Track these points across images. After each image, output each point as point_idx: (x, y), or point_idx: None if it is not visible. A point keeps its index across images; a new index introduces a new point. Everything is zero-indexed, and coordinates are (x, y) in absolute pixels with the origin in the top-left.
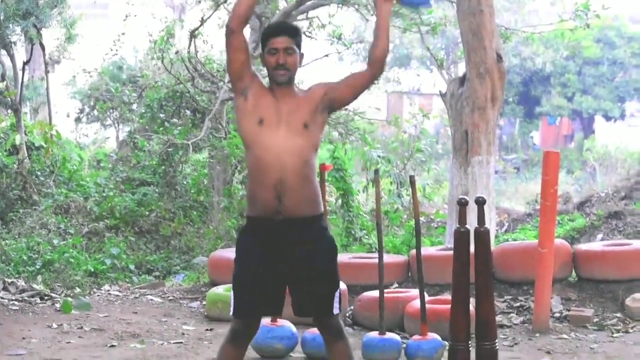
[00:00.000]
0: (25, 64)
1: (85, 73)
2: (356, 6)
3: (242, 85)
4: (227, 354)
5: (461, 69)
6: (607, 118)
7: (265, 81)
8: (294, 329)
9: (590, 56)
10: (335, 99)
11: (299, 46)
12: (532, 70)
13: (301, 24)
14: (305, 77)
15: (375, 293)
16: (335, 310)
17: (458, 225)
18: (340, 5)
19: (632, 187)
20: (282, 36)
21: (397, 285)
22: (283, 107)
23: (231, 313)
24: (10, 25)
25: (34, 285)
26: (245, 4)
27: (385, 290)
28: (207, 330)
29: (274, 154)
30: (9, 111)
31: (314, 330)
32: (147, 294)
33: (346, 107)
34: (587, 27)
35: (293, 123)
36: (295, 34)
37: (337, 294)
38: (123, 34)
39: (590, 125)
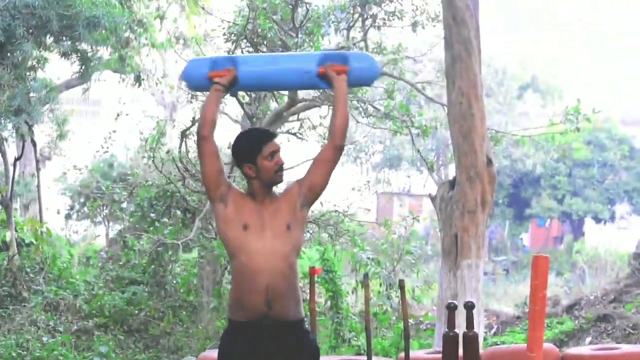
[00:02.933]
0: (16, 160)
1: (76, 170)
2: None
3: (220, 192)
4: None
5: (452, 170)
6: (597, 220)
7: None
8: None
9: (580, 158)
10: (310, 187)
11: None
12: (522, 172)
13: (292, 124)
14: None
15: None
16: None
17: (447, 330)
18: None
19: (622, 290)
20: (276, 139)
21: None
22: (265, 211)
23: None
24: (2, 121)
25: None
26: (211, 111)
27: None
28: None
29: (262, 259)
30: (0, 207)
31: None
32: None
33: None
34: (577, 131)
35: (276, 226)
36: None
37: None
38: (114, 131)
39: (580, 227)
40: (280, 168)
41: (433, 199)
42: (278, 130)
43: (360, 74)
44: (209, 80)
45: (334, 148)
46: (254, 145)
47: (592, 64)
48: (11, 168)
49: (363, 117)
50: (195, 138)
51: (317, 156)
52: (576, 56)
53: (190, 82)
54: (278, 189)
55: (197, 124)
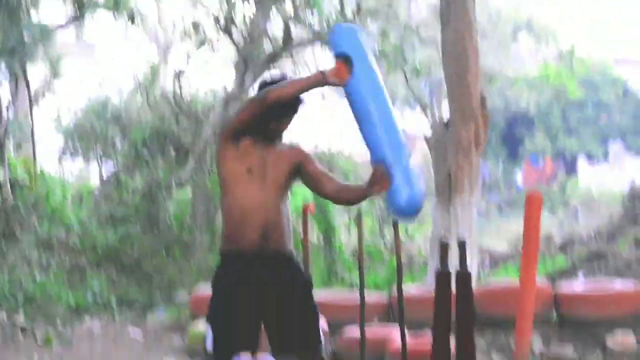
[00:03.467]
0: (10, 100)
1: (70, 110)
2: None
3: (236, 138)
4: None
5: (445, 110)
6: (590, 159)
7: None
8: None
9: (574, 98)
10: (305, 174)
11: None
12: (516, 112)
13: (286, 64)
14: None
15: (356, 330)
16: (323, 342)
17: (440, 266)
18: (325, 45)
19: (615, 229)
20: (292, 117)
21: (377, 320)
22: (268, 159)
23: (209, 349)
24: None
25: (16, 319)
26: (292, 92)
27: (367, 328)
28: None
29: (260, 200)
30: None
31: None
32: (129, 329)
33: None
34: (571, 71)
35: (275, 175)
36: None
37: (319, 327)
38: (108, 72)
39: (573, 166)
40: (279, 132)
41: (427, 138)
42: (272, 70)
43: (392, 203)
44: (335, 55)
45: (331, 197)
46: (279, 107)
47: (587, 4)
48: (5, 107)
49: None
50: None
51: (327, 177)
52: None
53: (336, 41)
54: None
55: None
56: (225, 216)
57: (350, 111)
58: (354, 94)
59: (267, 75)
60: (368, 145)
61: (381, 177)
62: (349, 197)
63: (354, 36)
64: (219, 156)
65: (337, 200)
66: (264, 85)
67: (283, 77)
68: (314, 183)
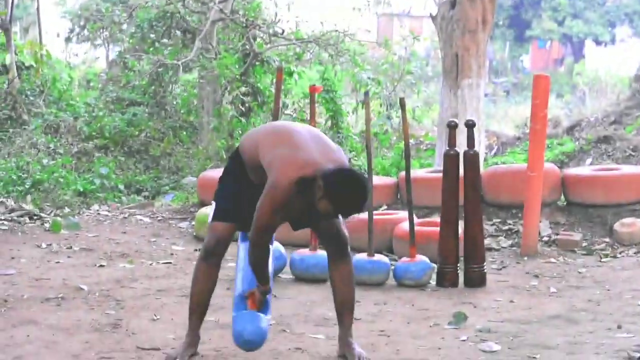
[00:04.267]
0: None
1: None
2: None
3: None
4: (202, 272)
5: None
6: (598, 42)
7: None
8: (282, 249)
9: None
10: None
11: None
12: None
13: None
14: None
15: (364, 215)
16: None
17: (447, 148)
18: None
19: (622, 112)
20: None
21: (386, 207)
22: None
23: (209, 220)
24: None
25: (23, 205)
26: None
27: (374, 213)
28: (195, 250)
29: None
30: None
31: (303, 251)
32: (136, 214)
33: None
34: None
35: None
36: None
37: None
38: None
39: (580, 49)
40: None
41: (434, 18)
42: None
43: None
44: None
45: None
46: (344, 200)
47: None
48: None
49: None
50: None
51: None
52: None
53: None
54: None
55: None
56: None
57: None
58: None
59: None
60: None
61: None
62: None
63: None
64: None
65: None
66: (346, 201)
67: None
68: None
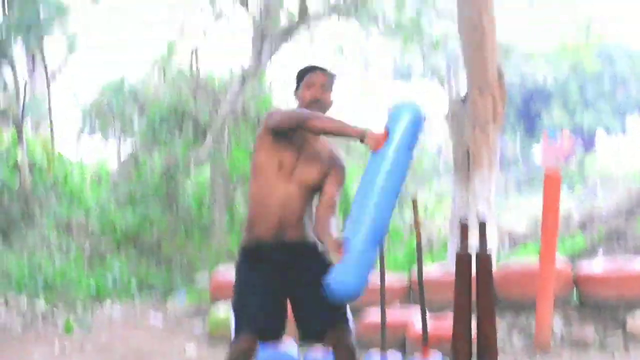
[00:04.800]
0: (27, 78)
1: (87, 88)
2: (357, 18)
3: (279, 133)
4: None
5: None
6: (609, 132)
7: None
8: (296, 349)
9: (591, 71)
10: (327, 180)
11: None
12: (533, 86)
13: (303, 36)
14: None
15: (376, 312)
16: (350, 318)
17: (459, 246)
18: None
19: (634, 205)
20: (321, 72)
21: (398, 303)
22: (302, 157)
23: (232, 336)
24: (12, 38)
25: (36, 305)
26: (328, 128)
27: (387, 310)
28: (209, 349)
29: (282, 194)
30: (11, 126)
31: (317, 352)
32: (149, 313)
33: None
34: (588, 44)
35: (305, 175)
36: (332, 77)
37: (346, 306)
38: (126, 48)
39: (591, 140)
40: (312, 101)
41: (444, 113)
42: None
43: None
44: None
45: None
46: (300, 73)
47: None
48: (22, 87)
49: (374, 27)
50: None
51: (335, 190)
52: None
53: (391, 117)
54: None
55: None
56: (249, 201)
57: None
58: (372, 163)
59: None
60: (353, 216)
61: (337, 250)
62: (316, 225)
63: (407, 118)
64: (257, 142)
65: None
66: (302, 73)
67: (321, 69)
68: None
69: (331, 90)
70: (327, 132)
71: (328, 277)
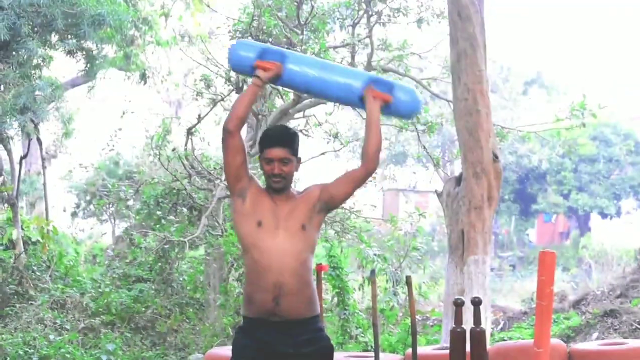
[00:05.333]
0: (22, 158)
1: (82, 168)
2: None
3: (240, 187)
4: None
5: (457, 166)
6: (603, 215)
7: (262, 180)
8: None
9: (586, 153)
10: (331, 197)
11: (295, 153)
12: (528, 167)
13: (298, 122)
14: (302, 175)
15: None
16: None
17: (454, 325)
18: (337, 104)
19: (628, 285)
20: (278, 147)
21: None
22: (281, 210)
23: None
24: (8, 119)
25: None
26: (243, 106)
27: None
28: None
29: (273, 256)
30: (6, 205)
31: None
32: None
33: (342, 204)
34: (583, 126)
35: (291, 225)
36: (291, 144)
37: None
38: (120, 129)
39: (586, 222)
40: (273, 175)
41: (439, 195)
42: (284, 122)
43: (402, 106)
44: (252, 68)
45: (367, 171)
46: (260, 146)
47: (598, 58)
48: (17, 166)
49: None
50: (220, 135)
51: (350, 172)
52: (581, 51)
53: (234, 63)
54: (296, 188)
55: (224, 120)
56: (245, 277)
57: (305, 91)
58: (292, 74)
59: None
60: (343, 95)
61: (375, 91)
62: (372, 141)
63: (249, 45)
64: (232, 215)
65: (374, 159)
66: (261, 144)
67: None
68: (344, 190)
69: (292, 159)
70: (242, 111)
71: (402, 99)
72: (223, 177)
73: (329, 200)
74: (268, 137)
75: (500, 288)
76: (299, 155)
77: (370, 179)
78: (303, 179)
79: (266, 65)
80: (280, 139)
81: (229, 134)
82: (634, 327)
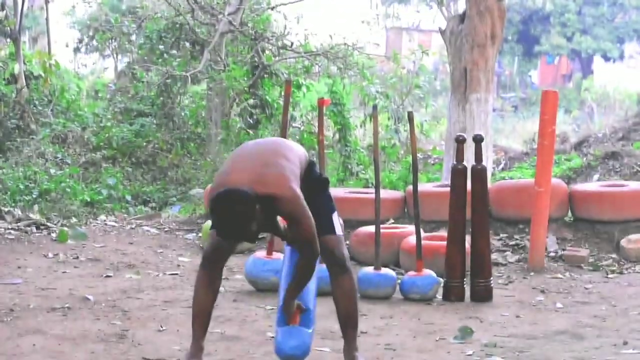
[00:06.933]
0: None
1: (85, 3)
2: None
3: None
4: (202, 280)
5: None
6: (606, 58)
7: None
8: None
9: None
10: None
11: (252, 220)
12: (531, 8)
13: None
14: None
15: (371, 228)
16: (338, 231)
17: (455, 162)
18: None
19: (630, 128)
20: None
21: (393, 221)
22: None
23: (210, 228)
24: None
25: (31, 215)
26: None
27: (382, 226)
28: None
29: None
30: (8, 40)
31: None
32: (143, 225)
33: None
34: None
35: None
36: (243, 226)
37: (334, 216)
38: None
39: (589, 65)
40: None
41: (442, 32)
42: None
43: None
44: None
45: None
46: (211, 219)
47: None
48: (20, 1)
49: None
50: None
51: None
52: None
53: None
54: None
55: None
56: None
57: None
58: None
59: None
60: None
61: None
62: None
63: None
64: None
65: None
66: (212, 221)
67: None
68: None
69: (252, 222)
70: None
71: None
72: (226, 12)
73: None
74: (218, 222)
75: (502, 129)
76: (257, 206)
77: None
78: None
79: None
80: (231, 231)
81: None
82: (634, 170)
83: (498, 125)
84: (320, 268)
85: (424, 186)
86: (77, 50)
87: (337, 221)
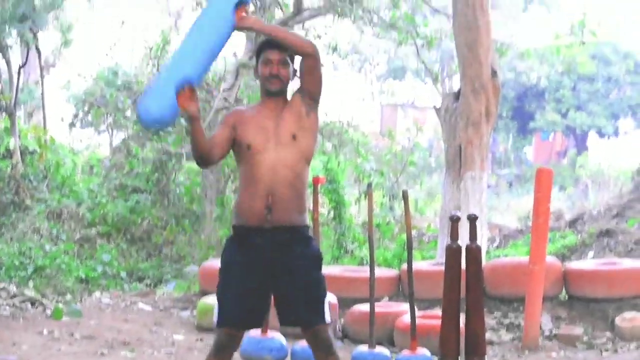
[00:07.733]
0: (20, 67)
1: (80, 78)
2: (352, 18)
3: (232, 136)
4: None
5: (456, 82)
6: (601, 135)
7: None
8: (284, 340)
9: (585, 72)
10: (310, 91)
11: (292, 60)
12: (526, 85)
13: (297, 30)
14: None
15: (365, 306)
16: (327, 319)
17: (450, 241)
18: (337, 16)
19: (625, 205)
20: (277, 50)
21: (387, 299)
22: (269, 125)
23: (215, 323)
24: (7, 28)
25: (25, 291)
26: (202, 144)
27: (376, 304)
28: (197, 340)
29: (264, 168)
30: (4, 114)
31: (304, 343)
32: (138, 302)
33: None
34: (582, 44)
35: (281, 137)
36: (287, 49)
37: (326, 302)
38: (119, 39)
39: (583, 141)
40: (271, 76)
41: (437, 110)
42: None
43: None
44: (174, 110)
45: (307, 56)
46: (258, 50)
47: None
48: (15, 75)
49: (368, 27)
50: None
51: (302, 66)
52: None
53: (157, 121)
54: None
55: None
56: (238, 189)
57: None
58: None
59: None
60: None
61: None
62: (290, 41)
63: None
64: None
65: (303, 44)
66: (259, 50)
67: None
68: (311, 83)
69: (289, 64)
70: (202, 148)
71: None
72: (221, 88)
73: (309, 98)
74: (267, 41)
75: (496, 206)
76: (295, 67)
77: (368, 93)
78: None
79: (184, 101)
80: (279, 43)
81: (212, 164)
82: (629, 247)
83: (493, 202)
84: (303, 347)
85: (418, 265)
86: (72, 125)
87: (328, 307)
